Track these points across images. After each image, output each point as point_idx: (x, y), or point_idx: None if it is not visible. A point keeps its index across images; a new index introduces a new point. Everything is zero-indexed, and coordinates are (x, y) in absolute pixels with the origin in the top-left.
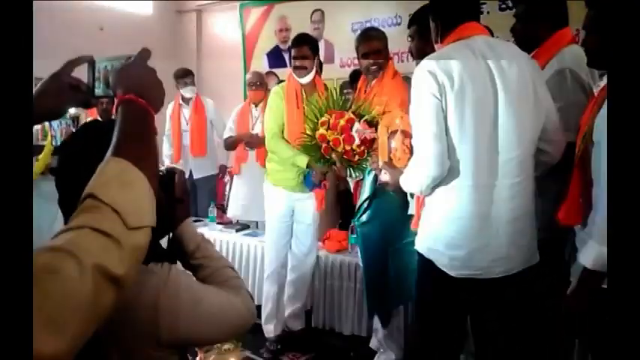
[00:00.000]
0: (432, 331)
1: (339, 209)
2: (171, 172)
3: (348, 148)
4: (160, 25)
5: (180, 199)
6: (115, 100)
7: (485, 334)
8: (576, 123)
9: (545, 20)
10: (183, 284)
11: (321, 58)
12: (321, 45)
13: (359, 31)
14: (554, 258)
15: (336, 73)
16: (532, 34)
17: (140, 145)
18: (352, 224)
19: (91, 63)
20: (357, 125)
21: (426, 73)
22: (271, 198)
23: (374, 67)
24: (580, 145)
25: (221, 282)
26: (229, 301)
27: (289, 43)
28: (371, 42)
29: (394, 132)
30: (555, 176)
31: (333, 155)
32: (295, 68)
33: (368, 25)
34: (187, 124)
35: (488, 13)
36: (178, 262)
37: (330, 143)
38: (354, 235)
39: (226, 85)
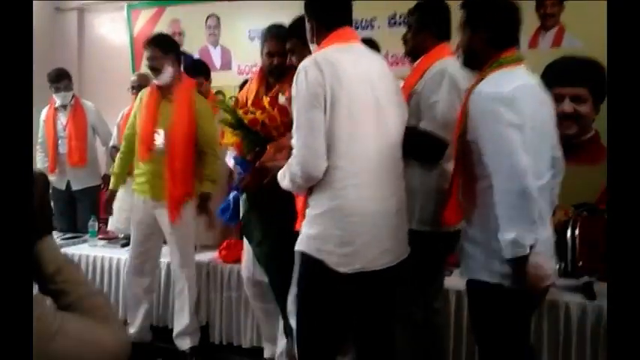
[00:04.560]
0: (319, 330)
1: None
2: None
3: (285, 119)
4: (35, 23)
5: (40, 210)
6: None
7: (368, 327)
8: (442, 117)
9: (433, 30)
10: (40, 309)
11: (217, 65)
12: (218, 51)
13: (256, 38)
14: (431, 249)
15: (233, 80)
16: (420, 42)
17: None
18: None
19: None
20: (282, 98)
21: (312, 74)
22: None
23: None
24: (457, 145)
25: (87, 311)
26: (93, 333)
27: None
28: (276, 41)
29: None
30: (434, 174)
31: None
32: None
33: None
34: (64, 130)
35: (379, 27)
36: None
37: (266, 121)
38: None
39: (113, 89)
